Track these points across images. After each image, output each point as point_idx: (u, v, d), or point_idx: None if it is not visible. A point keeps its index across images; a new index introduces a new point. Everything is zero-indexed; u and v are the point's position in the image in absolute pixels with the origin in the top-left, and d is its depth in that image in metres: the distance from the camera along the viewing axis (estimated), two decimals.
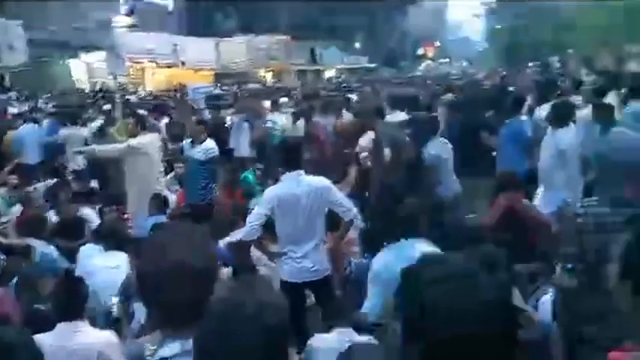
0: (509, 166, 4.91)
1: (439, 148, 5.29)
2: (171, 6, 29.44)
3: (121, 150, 5.66)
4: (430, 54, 62.75)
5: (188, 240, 1.42)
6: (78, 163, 7.71)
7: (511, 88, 10.07)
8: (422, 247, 2.86)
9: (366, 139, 5.61)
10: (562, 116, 4.75)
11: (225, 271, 3.73)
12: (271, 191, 3.83)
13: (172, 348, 1.37)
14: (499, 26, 36.51)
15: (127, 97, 14.13)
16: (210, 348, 1.14)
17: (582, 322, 2.09)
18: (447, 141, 5.48)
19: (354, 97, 11.68)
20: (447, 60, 59.07)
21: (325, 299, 3.73)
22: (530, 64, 24.58)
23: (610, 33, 22.80)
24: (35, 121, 9.15)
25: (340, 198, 3.78)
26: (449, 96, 9.35)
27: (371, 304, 2.98)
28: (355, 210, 3.81)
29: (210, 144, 5.95)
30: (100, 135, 7.53)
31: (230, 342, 1.13)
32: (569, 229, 2.28)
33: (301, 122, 7.77)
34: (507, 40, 33.60)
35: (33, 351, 1.57)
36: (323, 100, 9.15)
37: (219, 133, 7.74)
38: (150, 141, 5.75)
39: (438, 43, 68.63)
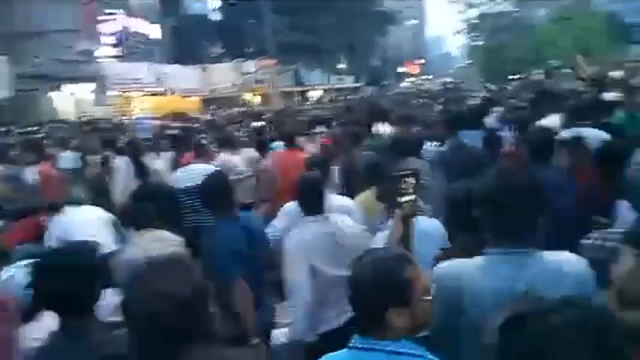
0: None
1: None
2: (157, 35, 29.66)
3: None
4: (414, 71, 63.55)
5: (176, 271, 1.42)
6: None
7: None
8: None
9: None
10: None
11: None
12: None
13: None
14: (480, 42, 37.12)
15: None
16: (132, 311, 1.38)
17: None
18: None
19: None
20: (430, 77, 59.71)
21: None
22: (512, 77, 24.85)
23: (590, 46, 23.24)
24: None
25: None
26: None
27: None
28: None
29: None
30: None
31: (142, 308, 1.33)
32: None
33: None
34: (488, 55, 34.02)
35: None
36: None
37: None
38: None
39: (419, 61, 69.32)
